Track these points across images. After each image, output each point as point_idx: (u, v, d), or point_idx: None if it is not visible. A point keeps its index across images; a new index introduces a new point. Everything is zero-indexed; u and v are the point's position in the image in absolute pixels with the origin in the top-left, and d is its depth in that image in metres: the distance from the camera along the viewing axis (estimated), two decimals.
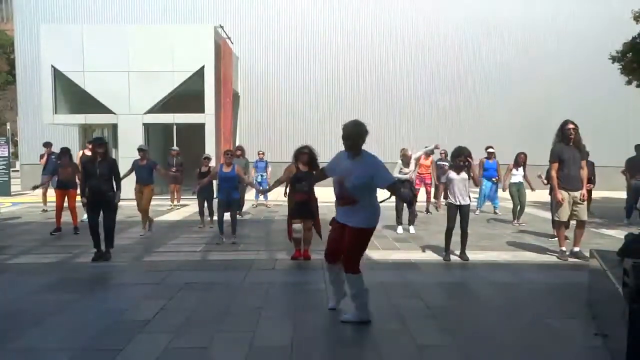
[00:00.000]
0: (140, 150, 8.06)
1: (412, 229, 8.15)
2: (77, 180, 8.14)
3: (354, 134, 3.84)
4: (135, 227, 8.28)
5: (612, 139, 16.03)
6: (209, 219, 8.72)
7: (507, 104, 18.27)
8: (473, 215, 10.39)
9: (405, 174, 8.14)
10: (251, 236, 7.88)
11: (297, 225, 5.97)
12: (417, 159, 8.73)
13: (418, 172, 10.95)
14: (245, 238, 7.62)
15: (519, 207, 9.32)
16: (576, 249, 6.14)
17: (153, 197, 8.31)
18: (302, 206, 6.00)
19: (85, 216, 9.10)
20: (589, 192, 6.86)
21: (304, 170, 5.94)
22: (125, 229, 7.98)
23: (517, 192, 9.37)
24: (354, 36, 18.15)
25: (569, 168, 5.87)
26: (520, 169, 9.37)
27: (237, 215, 7.71)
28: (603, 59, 11.69)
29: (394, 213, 8.19)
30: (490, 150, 10.65)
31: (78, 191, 8.21)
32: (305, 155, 5.99)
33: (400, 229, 8.18)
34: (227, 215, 7.24)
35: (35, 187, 8.80)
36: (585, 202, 5.98)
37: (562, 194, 5.89)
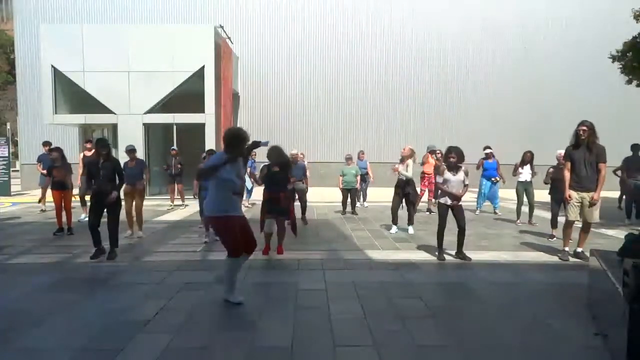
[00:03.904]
0: (128, 151, 7.99)
1: (410, 229, 8.13)
2: (71, 181, 8.13)
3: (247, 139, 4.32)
4: (135, 226, 8.24)
5: (612, 138, 15.98)
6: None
7: (507, 104, 18.28)
8: (473, 215, 10.46)
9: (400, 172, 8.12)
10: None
11: (269, 220, 6.26)
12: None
13: (425, 173, 10.97)
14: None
15: (528, 207, 9.29)
16: (579, 249, 6.15)
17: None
18: (274, 203, 6.19)
19: (82, 216, 9.13)
20: None
21: (275, 170, 6.17)
22: (125, 230, 7.95)
23: (523, 191, 9.35)
24: (354, 36, 18.16)
25: (579, 168, 5.88)
26: (527, 167, 9.32)
27: None
28: (603, 58, 11.69)
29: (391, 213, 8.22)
30: (487, 150, 10.65)
31: (74, 191, 8.22)
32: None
33: (394, 229, 8.19)
34: None
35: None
36: (597, 205, 5.94)
37: (570, 192, 5.90)
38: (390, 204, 8.29)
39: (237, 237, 4.27)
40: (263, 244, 6.21)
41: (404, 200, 8.21)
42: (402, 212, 8.48)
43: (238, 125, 17.52)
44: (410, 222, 8.20)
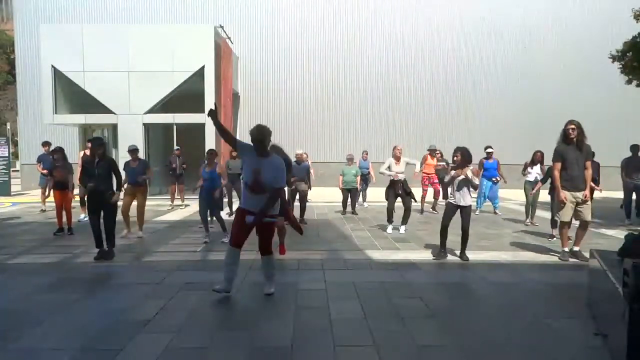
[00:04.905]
0: (131, 150, 7.92)
1: (402, 229, 8.17)
2: (72, 181, 8.12)
3: (258, 139, 4.31)
4: (134, 226, 8.25)
5: (612, 138, 16.03)
6: (209, 218, 8.72)
7: (507, 104, 18.29)
8: (473, 215, 10.40)
9: (392, 172, 8.11)
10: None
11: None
12: (406, 164, 8.42)
13: (425, 173, 10.96)
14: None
15: (531, 207, 9.27)
16: (576, 248, 6.14)
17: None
18: None
19: (82, 216, 9.13)
20: (591, 190, 6.84)
21: None
22: (122, 229, 7.95)
23: (531, 191, 9.31)
24: (354, 36, 18.17)
25: (572, 168, 5.84)
26: (536, 167, 9.29)
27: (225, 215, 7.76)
28: (603, 58, 11.69)
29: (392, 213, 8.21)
30: (489, 150, 10.66)
31: (75, 192, 8.21)
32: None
33: (390, 229, 8.20)
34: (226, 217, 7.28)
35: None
36: (589, 203, 5.95)
37: (565, 194, 5.89)
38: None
39: (239, 230, 4.39)
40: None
41: (399, 199, 8.19)
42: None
43: (237, 124, 17.53)
44: (405, 221, 8.22)
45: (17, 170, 20.12)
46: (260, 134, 4.31)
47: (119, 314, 4.02)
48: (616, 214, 10.57)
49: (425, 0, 18.15)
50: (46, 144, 11.30)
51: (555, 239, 7.53)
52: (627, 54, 10.49)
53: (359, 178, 10.84)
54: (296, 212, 8.25)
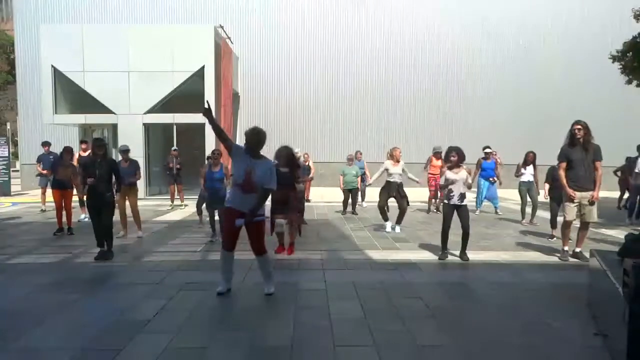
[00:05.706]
0: (122, 151, 7.85)
1: (397, 229, 8.22)
2: (72, 181, 8.10)
3: (254, 141, 4.37)
4: (134, 226, 8.24)
5: (612, 138, 15.99)
6: (208, 218, 8.71)
7: (507, 104, 18.27)
8: (473, 215, 10.42)
9: (391, 174, 8.14)
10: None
11: (280, 220, 6.28)
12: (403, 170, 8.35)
13: (431, 173, 10.96)
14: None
15: (531, 207, 9.27)
16: (577, 249, 6.14)
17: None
18: (283, 203, 6.23)
19: (82, 216, 9.13)
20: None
21: (284, 170, 6.09)
22: (118, 230, 7.93)
23: (526, 192, 9.33)
24: (354, 36, 18.16)
25: (578, 168, 5.84)
26: (530, 167, 9.29)
27: None
28: (603, 58, 11.69)
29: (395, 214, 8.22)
30: (487, 150, 10.65)
31: (74, 191, 8.20)
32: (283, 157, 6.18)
33: (388, 227, 8.22)
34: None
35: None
36: (595, 205, 5.93)
37: (573, 192, 5.88)
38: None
39: (229, 229, 4.45)
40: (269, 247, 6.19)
41: (394, 200, 8.21)
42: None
43: (237, 124, 17.53)
44: (400, 221, 8.27)
45: (17, 170, 20.10)
46: (255, 136, 4.35)
47: (119, 314, 4.01)
48: (616, 214, 10.57)
49: (425, 1, 18.14)
50: (46, 144, 11.29)
51: (555, 239, 7.53)
52: (627, 54, 10.50)
53: (359, 178, 10.83)
54: None
